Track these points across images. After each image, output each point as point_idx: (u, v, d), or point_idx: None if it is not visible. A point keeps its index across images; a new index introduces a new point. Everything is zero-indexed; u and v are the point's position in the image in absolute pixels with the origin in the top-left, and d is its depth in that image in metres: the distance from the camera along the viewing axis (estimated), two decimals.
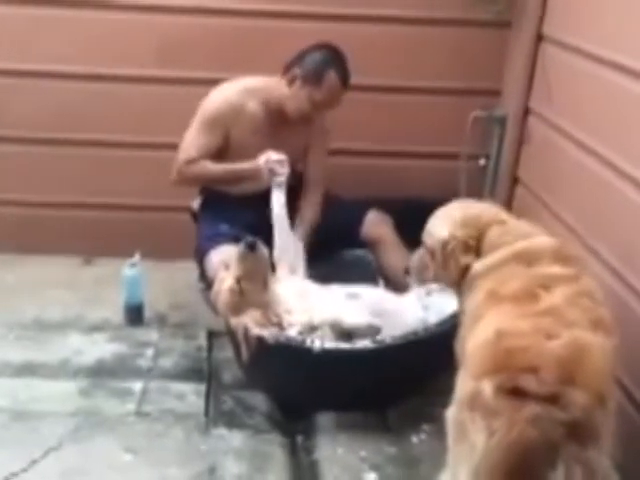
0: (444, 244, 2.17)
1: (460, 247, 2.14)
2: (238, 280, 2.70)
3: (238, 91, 3.10)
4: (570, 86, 3.01)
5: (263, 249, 2.76)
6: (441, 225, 2.22)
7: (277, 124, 3.12)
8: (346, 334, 2.70)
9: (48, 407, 2.75)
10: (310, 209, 3.24)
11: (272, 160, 2.99)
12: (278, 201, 3.02)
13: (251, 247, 2.70)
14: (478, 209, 2.23)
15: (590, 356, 1.75)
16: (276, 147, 3.04)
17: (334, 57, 3.05)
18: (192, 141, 3.12)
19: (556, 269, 1.98)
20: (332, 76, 3.01)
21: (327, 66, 3.02)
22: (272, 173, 3.00)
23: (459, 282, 2.17)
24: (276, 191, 3.02)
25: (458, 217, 2.19)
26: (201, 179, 3.19)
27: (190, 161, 3.10)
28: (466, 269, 2.13)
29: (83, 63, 3.50)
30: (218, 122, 3.09)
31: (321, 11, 3.43)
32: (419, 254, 2.33)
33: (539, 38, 3.27)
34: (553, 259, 2.01)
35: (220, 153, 3.13)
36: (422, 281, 2.41)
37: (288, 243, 3.03)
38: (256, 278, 2.72)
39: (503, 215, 2.21)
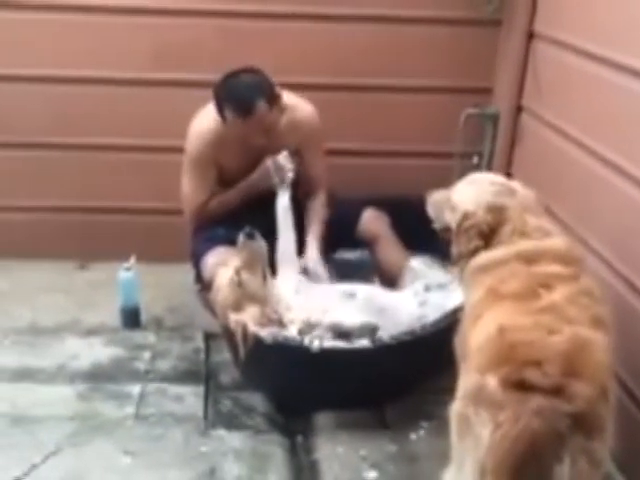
0: (464, 216, 2.18)
1: (476, 228, 2.14)
2: (237, 271, 2.72)
3: (209, 122, 3.03)
4: (562, 83, 3.02)
5: (261, 240, 2.78)
6: (471, 195, 2.22)
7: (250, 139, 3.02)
8: (344, 334, 2.70)
9: (46, 412, 2.73)
10: (319, 210, 3.22)
11: (278, 158, 3.05)
12: (282, 201, 3.06)
13: (250, 236, 2.74)
14: (510, 200, 2.17)
15: (592, 350, 1.78)
16: (263, 157, 3.07)
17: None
18: (193, 188, 3.13)
19: (556, 268, 1.98)
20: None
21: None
22: (280, 170, 3.04)
23: (465, 258, 2.17)
24: (280, 192, 3.07)
25: (488, 199, 2.18)
26: (219, 212, 3.15)
27: (201, 206, 3.13)
28: (475, 251, 2.13)
29: (78, 67, 3.49)
30: (205, 159, 3.09)
31: (314, 12, 3.43)
32: (444, 196, 2.31)
33: (530, 35, 3.29)
34: (553, 259, 2.01)
35: (220, 181, 3.15)
36: (439, 221, 2.34)
37: (291, 242, 3.04)
38: (255, 268, 2.75)
39: (530, 212, 2.16)
